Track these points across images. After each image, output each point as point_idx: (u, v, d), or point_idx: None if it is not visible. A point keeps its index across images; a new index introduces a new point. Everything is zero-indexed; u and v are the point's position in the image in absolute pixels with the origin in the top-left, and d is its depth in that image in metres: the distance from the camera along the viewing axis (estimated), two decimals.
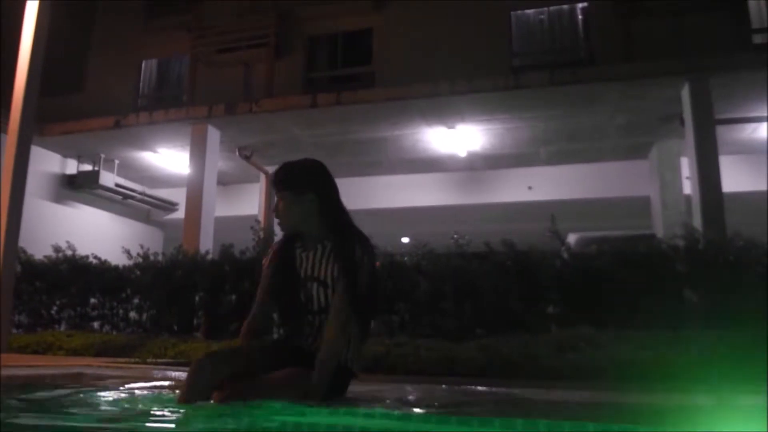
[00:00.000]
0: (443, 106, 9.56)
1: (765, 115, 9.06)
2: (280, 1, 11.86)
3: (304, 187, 2.50)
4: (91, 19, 13.79)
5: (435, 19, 11.10)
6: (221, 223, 10.76)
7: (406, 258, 7.18)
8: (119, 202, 13.12)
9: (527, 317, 6.35)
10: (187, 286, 7.80)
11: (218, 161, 10.82)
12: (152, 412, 2.19)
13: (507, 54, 10.84)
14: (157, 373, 4.34)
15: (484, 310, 6.43)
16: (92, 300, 8.50)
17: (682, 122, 8.92)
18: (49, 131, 11.09)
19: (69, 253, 8.75)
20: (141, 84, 13.31)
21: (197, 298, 7.87)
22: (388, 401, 2.79)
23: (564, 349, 4.83)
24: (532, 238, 6.89)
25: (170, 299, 7.81)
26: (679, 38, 9.40)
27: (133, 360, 5.81)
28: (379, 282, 2.68)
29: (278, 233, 3.12)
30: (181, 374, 4.06)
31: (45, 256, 8.79)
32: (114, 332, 8.15)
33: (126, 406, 2.41)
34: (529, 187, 12.16)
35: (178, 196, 12.76)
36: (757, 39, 9.58)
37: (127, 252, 8.33)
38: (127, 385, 3.20)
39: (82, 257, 8.70)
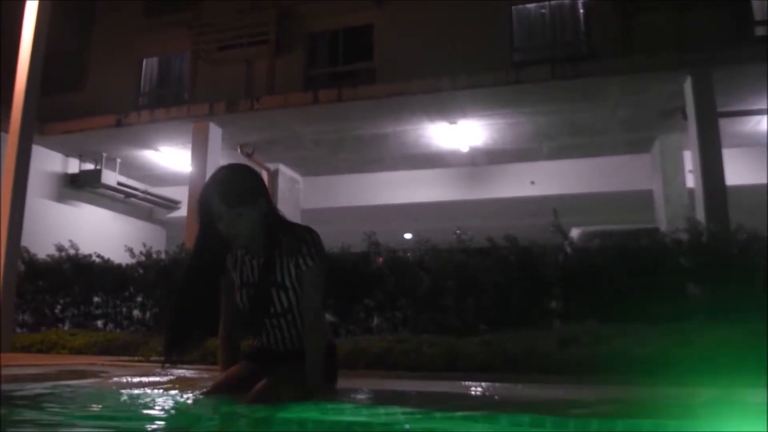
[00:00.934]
0: (445, 102, 9.54)
1: (767, 107, 9.03)
2: None
3: (256, 196, 2.41)
4: (92, 17, 13.78)
5: (436, 15, 11.07)
6: None
7: (408, 254, 7.17)
8: (121, 200, 13.12)
9: (530, 312, 6.34)
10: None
11: (220, 159, 10.80)
12: (156, 412, 2.18)
13: (508, 49, 10.81)
14: (160, 371, 4.34)
15: (487, 305, 6.42)
16: (95, 299, 8.51)
17: (684, 116, 8.90)
18: (50, 130, 11.09)
19: (72, 252, 8.76)
20: (142, 82, 13.31)
21: None
22: (391, 398, 2.78)
23: (567, 344, 4.81)
24: (535, 233, 6.88)
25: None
26: (681, 31, 9.36)
27: (136, 358, 5.82)
28: (329, 261, 2.65)
29: None
30: (184, 372, 4.06)
31: (48, 255, 8.79)
32: (117, 331, 8.15)
33: (131, 404, 2.41)
34: (532, 182, 12.14)
35: (181, 194, 12.77)
36: (760, 31, 9.54)
37: (130, 250, 8.34)
38: (131, 383, 3.20)
39: (84, 256, 8.70)
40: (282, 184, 12.21)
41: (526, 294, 6.39)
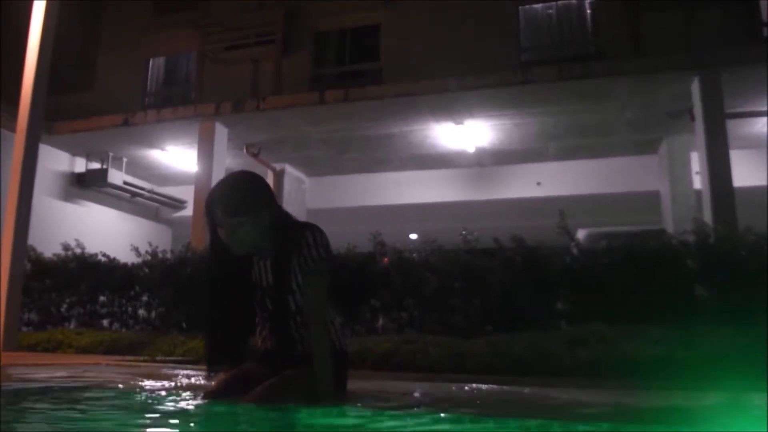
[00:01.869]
0: (451, 102, 9.53)
1: None
2: None
3: (260, 208, 2.39)
4: (99, 17, 13.81)
5: (443, 15, 11.05)
6: None
7: (414, 254, 7.16)
8: (128, 200, 13.15)
9: (537, 314, 6.31)
10: (196, 283, 7.80)
11: (226, 159, 10.82)
12: (161, 412, 2.18)
13: (515, 49, 10.78)
14: (166, 370, 4.34)
15: (493, 306, 6.40)
16: (101, 298, 8.52)
17: (692, 116, 8.86)
18: (57, 129, 11.12)
19: (78, 251, 8.77)
20: (149, 82, 13.32)
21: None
22: (397, 400, 2.77)
23: (574, 346, 4.79)
24: (542, 234, 6.85)
25: (179, 297, 7.82)
26: (688, 32, 9.32)
27: (142, 358, 5.82)
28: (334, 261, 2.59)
29: None
30: (190, 372, 4.06)
31: (54, 254, 8.81)
32: (123, 330, 8.17)
33: (133, 405, 2.40)
34: (538, 183, 12.11)
35: (187, 193, 12.78)
36: None
37: (136, 250, 8.35)
38: (137, 383, 3.20)
39: (91, 255, 8.72)
40: (288, 184, 12.21)
41: (532, 295, 6.37)
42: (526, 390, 3.35)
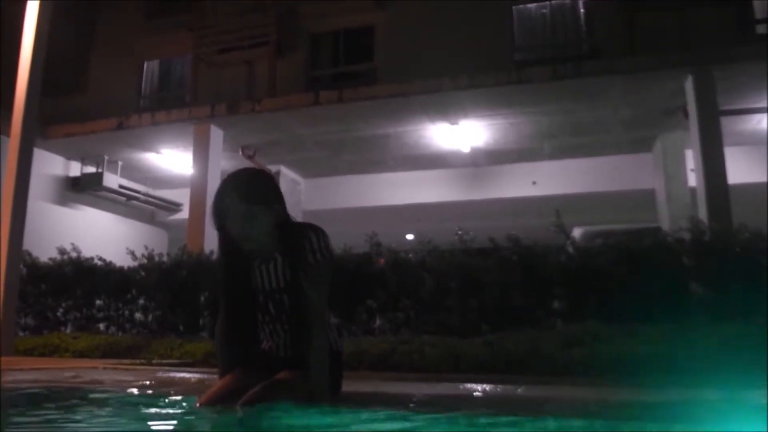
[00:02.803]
0: (446, 102, 9.54)
1: None
2: None
3: (274, 199, 2.39)
4: (93, 20, 13.79)
5: (436, 15, 11.07)
6: None
7: (410, 255, 7.16)
8: (123, 203, 13.13)
9: (532, 313, 6.32)
10: (192, 286, 7.80)
11: (221, 161, 10.81)
12: (159, 415, 2.18)
13: (509, 49, 10.80)
14: (163, 373, 4.34)
15: (489, 306, 6.41)
16: (98, 302, 8.51)
17: (685, 114, 8.89)
18: (51, 133, 11.10)
19: (74, 255, 8.76)
20: (143, 85, 13.32)
21: (202, 298, 7.87)
22: (393, 401, 2.77)
23: (570, 345, 4.80)
24: (537, 233, 6.87)
25: (175, 300, 7.82)
26: (682, 30, 9.35)
27: (139, 361, 5.82)
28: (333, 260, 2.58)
29: None
30: (186, 375, 4.06)
31: (50, 259, 8.80)
32: (120, 333, 8.15)
33: (132, 408, 2.40)
34: (534, 182, 12.13)
35: (182, 196, 12.76)
36: (760, 30, 9.52)
37: (132, 253, 8.34)
38: (133, 387, 3.20)
39: (86, 259, 8.71)
40: (283, 186, 12.12)
41: (528, 294, 6.38)
42: (520, 389, 3.36)
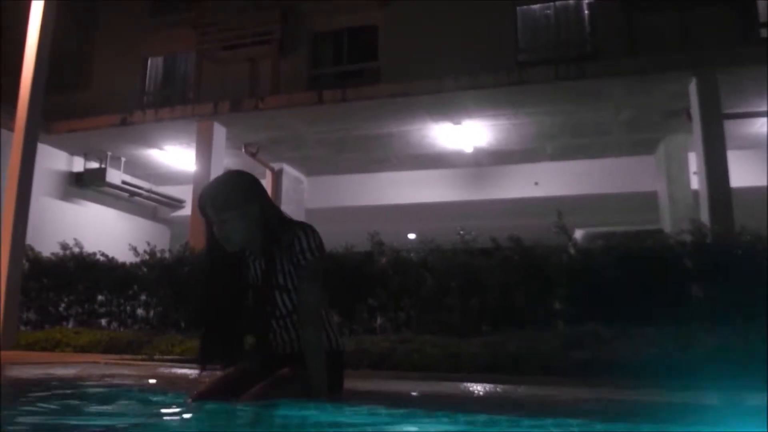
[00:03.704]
0: (449, 102, 9.54)
1: None
2: None
3: (247, 203, 2.42)
4: (97, 17, 13.82)
5: (440, 15, 11.07)
6: None
7: (412, 254, 7.17)
8: (126, 199, 13.14)
9: (533, 313, 6.33)
10: (194, 282, 7.81)
11: (224, 158, 10.81)
12: (159, 411, 2.19)
13: (513, 49, 10.80)
14: (164, 369, 4.36)
15: (490, 306, 6.42)
16: (99, 297, 8.53)
17: (689, 117, 8.88)
18: (55, 129, 11.11)
19: (76, 250, 8.78)
20: (147, 81, 13.33)
21: None
22: (393, 399, 2.78)
23: (570, 346, 4.81)
24: (539, 234, 6.87)
25: (177, 296, 7.83)
26: (685, 33, 9.35)
27: (140, 357, 5.83)
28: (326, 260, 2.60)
29: None
30: (187, 371, 4.07)
31: (52, 254, 8.81)
32: (121, 329, 8.18)
33: (133, 403, 2.42)
34: (536, 183, 12.12)
35: (185, 193, 12.78)
36: (765, 33, 9.51)
37: (134, 249, 8.35)
38: (135, 382, 3.21)
39: (89, 254, 8.72)
40: (286, 184, 12.21)
41: (529, 295, 6.39)
42: (520, 389, 3.37)
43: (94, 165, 12.27)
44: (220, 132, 10.64)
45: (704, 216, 8.04)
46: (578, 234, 9.40)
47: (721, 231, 6.74)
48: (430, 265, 6.87)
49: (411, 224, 14.13)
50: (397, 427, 1.80)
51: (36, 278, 8.57)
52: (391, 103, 9.62)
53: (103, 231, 12.16)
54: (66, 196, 12.12)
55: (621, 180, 11.57)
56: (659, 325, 5.17)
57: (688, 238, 6.49)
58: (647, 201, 11.01)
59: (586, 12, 10.81)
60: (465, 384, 3.54)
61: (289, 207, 10.73)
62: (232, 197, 2.40)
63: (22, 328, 8.13)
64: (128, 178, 12.66)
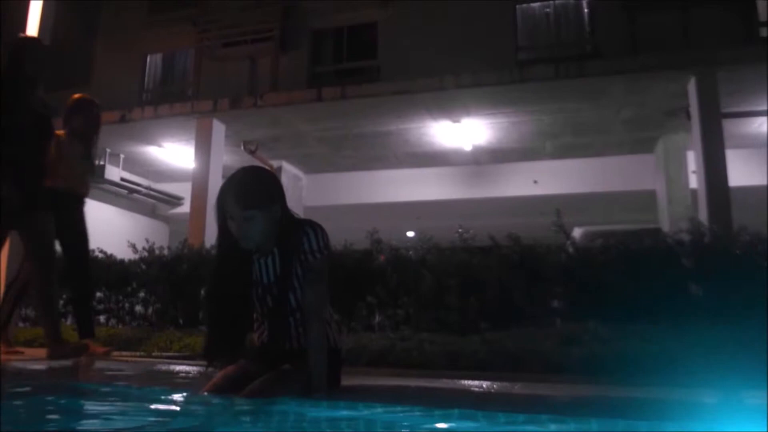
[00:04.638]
0: (448, 100, 9.54)
1: None
2: None
3: (272, 201, 2.42)
4: (96, 13, 13.80)
5: (440, 13, 11.06)
6: None
7: (410, 252, 7.17)
8: (125, 196, 13.14)
9: (532, 311, 6.33)
10: (193, 279, 7.81)
11: (223, 155, 10.82)
12: (159, 407, 2.19)
13: (512, 47, 10.80)
14: (162, 366, 4.36)
15: (489, 304, 6.41)
16: (98, 294, 8.51)
17: (688, 116, 8.88)
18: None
19: None
20: (146, 78, 13.33)
21: (203, 292, 7.88)
22: (390, 395, 2.79)
23: (569, 343, 4.81)
24: (538, 232, 6.87)
25: (175, 293, 7.83)
26: (685, 31, 9.35)
27: (138, 353, 5.84)
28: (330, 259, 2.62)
29: None
30: (186, 368, 4.07)
31: None
32: (120, 326, 8.17)
33: (133, 400, 2.42)
34: (535, 181, 12.13)
35: (184, 190, 12.77)
36: (765, 32, 9.51)
37: (133, 246, 8.34)
38: (133, 379, 3.21)
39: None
40: (285, 181, 12.21)
41: (527, 293, 6.38)
42: (518, 386, 3.37)
43: None
44: (219, 129, 10.64)
45: (703, 215, 8.05)
46: (577, 232, 9.39)
47: (719, 230, 6.74)
48: (428, 263, 6.87)
49: (410, 222, 14.15)
50: (395, 424, 1.80)
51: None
52: (391, 101, 9.63)
53: (102, 228, 12.08)
54: None
55: (620, 179, 11.59)
56: (657, 324, 5.17)
57: (686, 237, 6.50)
58: (646, 200, 11.02)
59: (586, 10, 10.81)
60: (463, 381, 3.54)
61: (288, 205, 10.71)
62: (259, 195, 2.38)
63: (21, 324, 8.12)
64: (127, 175, 12.66)
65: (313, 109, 10.05)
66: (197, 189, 10.41)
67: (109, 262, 8.56)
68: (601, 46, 10.29)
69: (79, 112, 5.51)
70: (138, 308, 8.33)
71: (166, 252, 8.27)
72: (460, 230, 7.10)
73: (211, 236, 9.79)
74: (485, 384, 3.38)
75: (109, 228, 12.40)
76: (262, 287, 2.50)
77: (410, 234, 14.36)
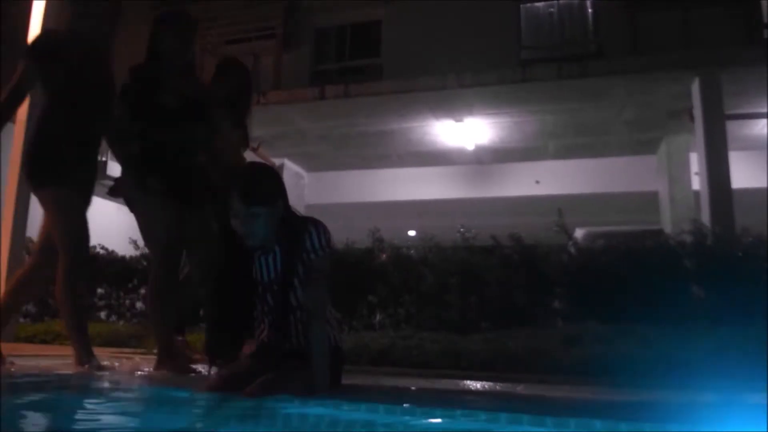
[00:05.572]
0: (451, 99, 9.53)
1: None
2: None
3: (274, 199, 2.41)
4: (97, 8, 13.76)
5: (444, 12, 11.03)
6: None
7: (412, 251, 7.17)
8: None
9: (533, 311, 6.32)
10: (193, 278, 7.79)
11: None
12: (160, 404, 2.19)
13: (516, 47, 10.77)
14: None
15: (490, 303, 6.41)
16: (99, 290, 8.52)
17: (691, 117, 8.86)
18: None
19: None
20: None
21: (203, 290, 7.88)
22: (391, 394, 2.78)
23: (570, 344, 4.81)
24: (539, 233, 6.86)
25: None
26: (689, 32, 9.32)
27: (140, 350, 5.83)
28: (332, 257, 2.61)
29: None
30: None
31: None
32: (121, 322, 8.17)
33: (134, 396, 2.41)
34: (537, 182, 12.12)
35: None
36: None
37: (134, 242, 8.34)
38: (134, 376, 3.21)
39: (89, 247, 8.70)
40: (287, 179, 12.00)
41: (529, 293, 6.38)
42: (519, 387, 3.37)
43: None
44: None
45: (705, 217, 8.03)
46: (579, 233, 9.39)
47: (721, 232, 6.73)
48: (430, 263, 6.87)
49: (411, 221, 14.13)
50: (396, 423, 1.80)
51: None
52: (394, 100, 9.62)
53: (103, 224, 12.09)
54: None
55: (622, 180, 11.57)
56: (658, 325, 5.16)
57: (688, 238, 6.48)
58: (648, 201, 11.00)
59: (590, 10, 10.77)
60: (464, 381, 3.54)
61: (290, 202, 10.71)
62: (263, 193, 2.38)
63: (21, 320, 8.12)
64: None
65: (316, 107, 10.05)
66: None
67: (111, 259, 8.56)
68: (605, 46, 10.25)
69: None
70: (139, 305, 8.34)
71: None
72: (461, 230, 7.09)
73: None
74: (487, 384, 3.38)
75: (110, 224, 12.38)
76: (263, 285, 2.49)
77: (412, 233, 14.35)
